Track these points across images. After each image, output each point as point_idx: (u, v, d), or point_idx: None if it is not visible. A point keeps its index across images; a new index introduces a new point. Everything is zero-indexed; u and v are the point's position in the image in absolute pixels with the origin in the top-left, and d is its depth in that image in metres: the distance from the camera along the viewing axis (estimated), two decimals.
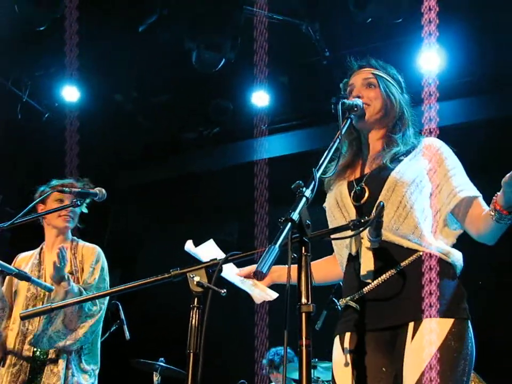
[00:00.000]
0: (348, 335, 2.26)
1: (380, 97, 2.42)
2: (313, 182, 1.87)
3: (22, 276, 3.14)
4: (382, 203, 2.04)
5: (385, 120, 2.44)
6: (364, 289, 2.21)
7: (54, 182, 3.56)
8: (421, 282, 2.12)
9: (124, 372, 5.75)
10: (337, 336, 2.30)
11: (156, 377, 5.10)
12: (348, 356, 2.22)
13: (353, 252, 2.27)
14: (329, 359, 4.82)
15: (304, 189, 1.82)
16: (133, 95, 7.07)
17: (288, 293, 1.62)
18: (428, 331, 2.07)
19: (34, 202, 3.02)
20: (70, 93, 6.75)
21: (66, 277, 3.25)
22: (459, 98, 6.19)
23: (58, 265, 3.21)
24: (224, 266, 1.98)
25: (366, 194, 2.29)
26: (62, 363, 3.28)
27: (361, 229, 2.00)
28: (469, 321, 2.15)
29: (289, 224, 1.68)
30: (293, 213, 1.70)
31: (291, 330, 1.68)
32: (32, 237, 3.74)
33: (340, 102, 2.27)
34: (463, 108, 6.25)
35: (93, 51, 5.93)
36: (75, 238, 3.67)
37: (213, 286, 1.87)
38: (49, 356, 3.31)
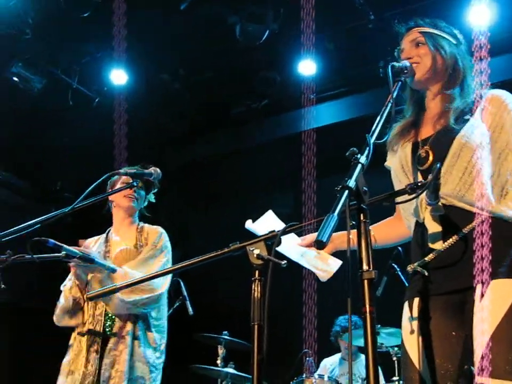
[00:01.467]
0: (416, 300, 2.25)
1: (429, 54, 2.36)
2: (367, 148, 1.85)
3: (86, 258, 3.22)
4: (438, 165, 2.01)
5: (438, 75, 2.38)
6: (430, 255, 2.19)
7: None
8: (488, 246, 2.08)
9: (189, 346, 5.87)
10: (406, 302, 2.30)
11: (221, 350, 5.18)
12: (417, 321, 2.22)
13: (420, 219, 2.25)
14: (392, 324, 4.82)
15: (359, 155, 1.80)
16: (180, 74, 7.09)
17: (350, 260, 1.61)
18: (496, 292, 2.05)
19: (93, 185, 3.06)
20: (118, 76, 6.82)
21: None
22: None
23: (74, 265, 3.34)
24: (284, 242, 1.99)
25: (430, 158, 2.25)
26: (129, 332, 3.37)
27: (418, 192, 1.97)
28: None
29: (346, 191, 1.67)
30: (349, 180, 1.69)
31: (354, 298, 1.68)
32: (93, 221, 3.85)
33: (389, 65, 2.23)
34: None
35: (138, 32, 5.96)
36: (141, 222, 3.77)
37: (273, 257, 1.88)
38: (117, 325, 3.41)
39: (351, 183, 1.69)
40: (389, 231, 2.56)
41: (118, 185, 3.62)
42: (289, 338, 5.92)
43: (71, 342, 3.51)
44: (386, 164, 2.53)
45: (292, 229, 1.99)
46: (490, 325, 2.02)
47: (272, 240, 1.94)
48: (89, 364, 3.30)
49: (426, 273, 2.20)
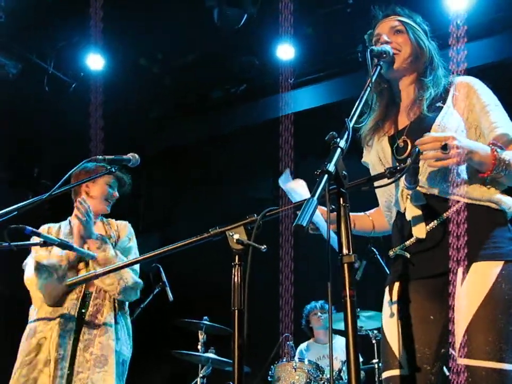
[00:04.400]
0: (396, 284, 2.28)
1: (408, 43, 2.38)
2: (347, 132, 1.85)
3: (65, 245, 3.18)
4: (417, 149, 2.01)
5: (415, 65, 2.40)
6: (411, 239, 2.21)
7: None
8: (469, 230, 2.10)
9: (169, 332, 5.87)
10: (387, 287, 2.32)
11: (201, 336, 5.19)
12: (396, 305, 2.24)
13: (402, 209, 2.27)
14: (371, 308, 4.86)
15: (338, 139, 1.80)
16: (158, 58, 7.03)
17: (328, 244, 1.61)
18: (477, 275, 2.08)
19: (70, 172, 3.03)
20: (95, 61, 6.75)
21: (97, 236, 3.34)
22: (489, 37, 6.01)
23: (84, 219, 3.29)
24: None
25: (409, 147, 2.26)
26: (106, 317, 3.37)
27: (397, 176, 1.98)
28: None
29: (326, 175, 1.67)
30: (329, 165, 1.69)
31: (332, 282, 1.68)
32: (70, 208, 3.81)
33: (368, 49, 2.23)
34: (495, 46, 6.07)
35: (114, 17, 5.89)
36: (103, 217, 3.75)
37: (252, 242, 1.88)
38: (92, 309, 3.40)
39: (331, 167, 1.69)
40: (364, 221, 2.59)
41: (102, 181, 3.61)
42: (268, 323, 5.94)
43: (33, 324, 3.43)
44: (363, 160, 2.54)
45: (271, 214, 1.98)
46: (471, 307, 2.04)
47: (252, 225, 1.93)
48: (61, 348, 3.27)
49: (408, 255, 2.22)
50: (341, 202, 1.72)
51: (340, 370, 5.02)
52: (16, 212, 2.73)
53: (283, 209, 2.00)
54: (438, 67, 2.40)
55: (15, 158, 7.61)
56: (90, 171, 3.57)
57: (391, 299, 2.28)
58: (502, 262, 2.08)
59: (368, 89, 2.11)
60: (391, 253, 2.32)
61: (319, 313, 6.11)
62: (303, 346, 6.25)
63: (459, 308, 2.08)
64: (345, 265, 1.65)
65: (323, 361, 5.83)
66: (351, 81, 6.58)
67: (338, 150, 1.77)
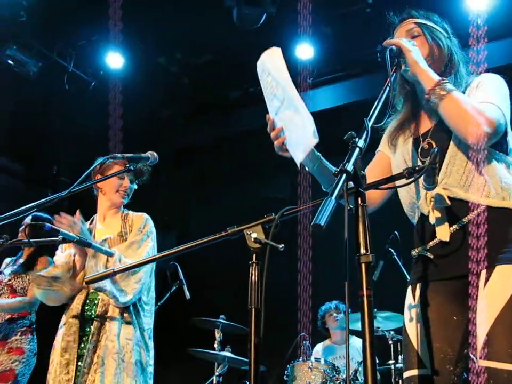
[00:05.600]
0: (418, 285, 2.28)
1: (425, 44, 2.37)
2: (365, 132, 1.84)
3: (83, 243, 3.21)
4: (436, 149, 2.00)
5: (434, 66, 2.37)
6: (434, 240, 2.21)
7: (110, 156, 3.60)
8: (491, 232, 2.10)
9: (186, 330, 5.89)
10: (409, 287, 2.32)
11: (218, 334, 5.19)
12: (419, 305, 2.24)
13: (425, 211, 2.25)
14: (388, 308, 4.84)
15: (357, 139, 1.79)
16: (177, 57, 7.06)
17: (347, 244, 1.61)
18: (500, 277, 2.07)
19: (89, 169, 3.06)
20: (114, 60, 6.79)
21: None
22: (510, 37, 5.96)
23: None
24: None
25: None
26: (117, 317, 3.36)
27: (416, 176, 1.97)
28: None
29: (344, 175, 1.67)
30: (347, 164, 1.69)
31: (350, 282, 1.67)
32: (89, 205, 3.83)
33: (388, 49, 2.22)
34: None
35: (134, 16, 5.92)
36: (126, 209, 3.75)
37: (270, 241, 1.88)
38: (100, 309, 3.38)
39: (349, 166, 1.69)
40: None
41: (109, 173, 3.54)
42: (285, 322, 5.94)
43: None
44: (380, 149, 2.53)
45: (289, 213, 1.98)
46: (494, 309, 2.03)
47: (270, 224, 1.93)
48: (66, 353, 3.28)
49: (431, 256, 2.22)
50: (359, 202, 1.71)
51: (355, 371, 5.00)
52: (35, 209, 2.75)
53: (301, 209, 1.99)
54: (460, 64, 2.38)
55: (34, 156, 7.67)
56: (104, 168, 3.59)
57: (413, 300, 2.27)
58: None
59: (387, 89, 2.10)
60: (413, 252, 2.32)
61: (334, 314, 6.09)
62: (319, 346, 6.24)
63: (481, 309, 2.07)
64: (363, 265, 1.65)
65: (339, 361, 5.81)
66: (369, 81, 6.55)
67: (357, 150, 1.76)
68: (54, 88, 7.04)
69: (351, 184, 1.73)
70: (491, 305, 2.04)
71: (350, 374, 4.98)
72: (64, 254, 3.55)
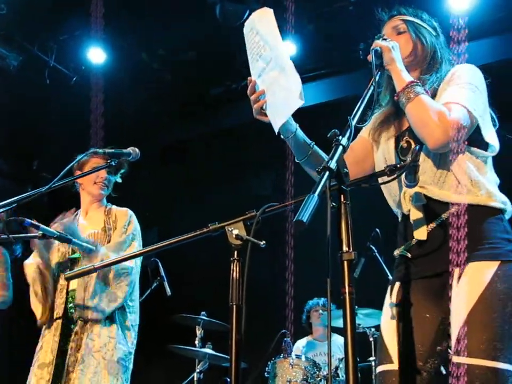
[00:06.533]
0: (397, 284, 2.31)
1: (409, 41, 2.39)
2: (349, 130, 1.86)
3: (64, 238, 3.19)
4: (417, 147, 2.02)
5: (416, 63, 2.40)
6: (413, 240, 2.23)
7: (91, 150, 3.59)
8: (466, 230, 2.12)
9: (167, 327, 5.87)
10: (389, 286, 2.35)
11: (199, 331, 5.19)
12: (395, 304, 2.27)
13: (405, 210, 2.28)
14: (369, 305, 4.86)
15: (340, 137, 1.80)
16: (159, 53, 7.02)
17: (329, 241, 1.61)
18: (472, 274, 2.09)
19: (70, 165, 3.03)
20: (96, 55, 6.73)
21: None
22: (492, 36, 6.00)
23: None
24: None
25: (412, 147, 2.26)
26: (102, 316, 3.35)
27: (397, 174, 1.99)
28: None
29: (327, 172, 1.67)
30: (330, 162, 1.69)
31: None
32: (70, 201, 3.81)
33: (373, 50, 2.24)
34: (497, 46, 6.06)
35: (116, 11, 5.88)
36: (109, 204, 3.73)
37: (251, 238, 1.88)
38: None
39: (332, 164, 1.69)
40: None
41: (88, 167, 3.57)
42: (267, 319, 5.94)
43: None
44: (361, 134, 2.53)
45: (270, 210, 1.98)
46: (466, 306, 2.06)
47: (251, 220, 1.93)
48: (51, 354, 3.29)
49: (409, 255, 2.25)
50: (342, 199, 1.72)
51: (336, 368, 5.02)
52: (15, 204, 2.73)
53: (283, 206, 2.00)
54: (443, 61, 2.40)
55: (15, 151, 7.60)
56: (83, 162, 3.58)
57: (391, 298, 2.31)
58: (498, 262, 2.09)
59: (372, 88, 2.11)
60: (395, 253, 2.35)
61: (320, 311, 6.12)
62: (300, 342, 6.26)
63: (455, 307, 2.10)
64: (345, 262, 1.65)
65: (320, 358, 5.84)
66: (352, 79, 6.57)
67: (340, 148, 1.77)
68: (35, 83, 6.96)
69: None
70: (463, 302, 2.07)
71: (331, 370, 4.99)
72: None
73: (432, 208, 2.20)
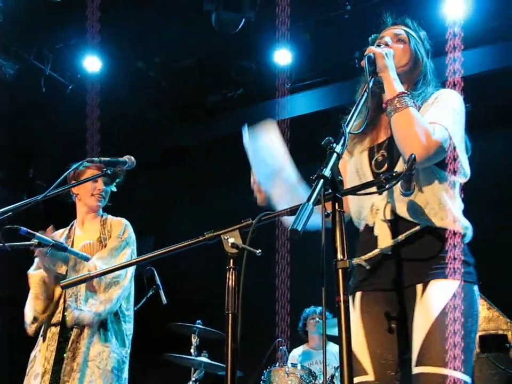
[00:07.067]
0: (358, 294, 2.36)
1: (408, 53, 2.42)
2: (343, 138, 1.86)
3: (59, 247, 3.19)
4: (413, 156, 2.02)
5: (409, 76, 2.43)
6: (376, 250, 2.27)
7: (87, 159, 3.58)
8: (428, 249, 2.21)
9: (162, 335, 5.86)
10: (350, 296, 2.37)
11: (194, 339, 5.18)
12: (359, 314, 2.32)
13: (370, 223, 2.32)
14: None
15: (334, 144, 1.80)
16: (155, 61, 7.03)
17: (323, 250, 1.61)
18: (434, 291, 2.18)
19: (65, 174, 3.03)
20: (92, 63, 6.74)
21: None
22: (486, 45, 6.03)
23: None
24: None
25: (386, 164, 2.32)
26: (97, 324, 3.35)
27: (393, 183, 1.99)
28: (475, 286, 2.23)
29: (322, 180, 1.67)
30: (325, 169, 1.69)
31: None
32: (65, 209, 3.80)
33: (366, 56, 2.25)
34: (491, 55, 6.09)
35: (112, 20, 5.90)
36: (105, 213, 3.73)
37: (247, 246, 1.88)
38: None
39: (327, 172, 1.70)
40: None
41: (85, 177, 3.54)
42: (262, 327, 5.93)
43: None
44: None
45: (266, 218, 1.98)
46: (428, 320, 2.14)
47: (247, 229, 1.93)
48: (47, 362, 3.27)
49: (368, 267, 2.31)
50: (336, 207, 1.72)
51: (332, 376, 5.02)
52: (11, 213, 2.72)
53: (279, 214, 2.00)
54: (430, 84, 2.43)
55: (11, 159, 7.59)
56: (78, 173, 3.56)
57: (354, 310, 2.34)
58: (458, 281, 2.17)
59: (365, 94, 2.12)
60: (354, 261, 2.36)
61: (317, 318, 6.11)
62: (296, 351, 6.25)
63: (417, 320, 2.18)
64: (340, 271, 1.65)
65: (315, 366, 5.82)
66: (347, 87, 6.51)
67: (335, 155, 1.77)
68: (31, 91, 6.96)
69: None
70: (426, 316, 2.15)
71: (327, 379, 4.98)
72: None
73: (398, 224, 2.25)
